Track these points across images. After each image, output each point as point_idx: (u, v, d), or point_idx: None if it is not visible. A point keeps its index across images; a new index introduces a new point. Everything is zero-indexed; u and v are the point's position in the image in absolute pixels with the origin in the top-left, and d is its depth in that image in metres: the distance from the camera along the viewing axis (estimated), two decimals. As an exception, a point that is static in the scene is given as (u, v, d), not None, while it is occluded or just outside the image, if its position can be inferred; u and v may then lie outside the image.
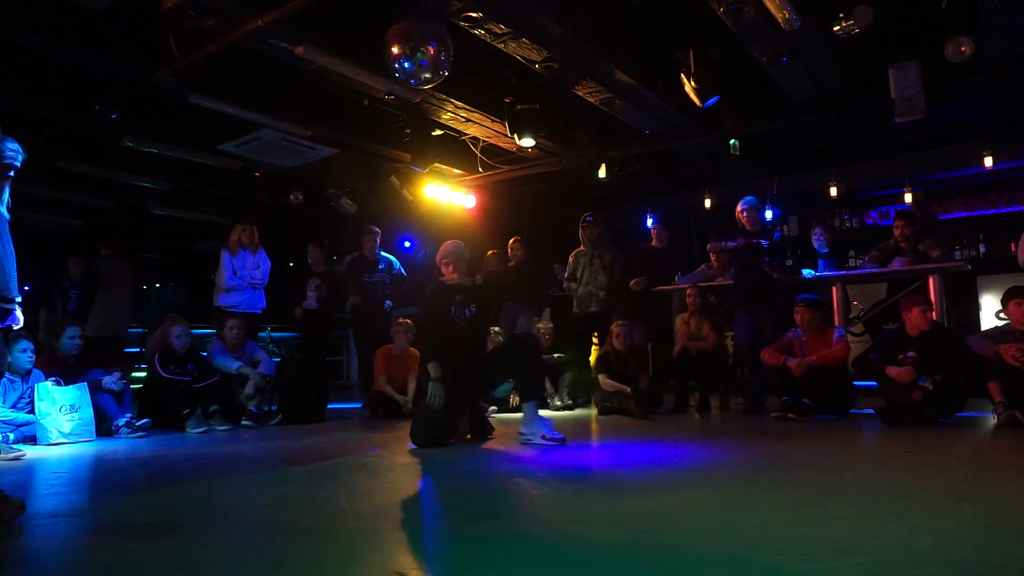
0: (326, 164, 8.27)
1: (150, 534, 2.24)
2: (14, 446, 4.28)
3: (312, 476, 3.27)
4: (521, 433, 4.09)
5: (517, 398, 5.86)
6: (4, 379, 4.72)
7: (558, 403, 6.39)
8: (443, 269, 4.37)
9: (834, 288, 6.21)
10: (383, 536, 2.14)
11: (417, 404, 4.29)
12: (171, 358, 5.45)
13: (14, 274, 2.43)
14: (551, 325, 7.04)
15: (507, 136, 7.01)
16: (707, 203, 9.29)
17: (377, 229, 7.39)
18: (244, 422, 5.56)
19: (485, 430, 4.46)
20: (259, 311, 6.60)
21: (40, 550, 2.10)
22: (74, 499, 2.97)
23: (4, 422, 4.57)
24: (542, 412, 4.76)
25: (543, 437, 3.94)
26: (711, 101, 5.70)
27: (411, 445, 4.13)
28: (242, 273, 6.45)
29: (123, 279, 7.57)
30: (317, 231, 7.93)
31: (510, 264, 7.11)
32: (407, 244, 11.52)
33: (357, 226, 7.72)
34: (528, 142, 6.54)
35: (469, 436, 4.37)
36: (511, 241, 7.33)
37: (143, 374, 6.10)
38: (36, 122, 6.44)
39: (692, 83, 5.59)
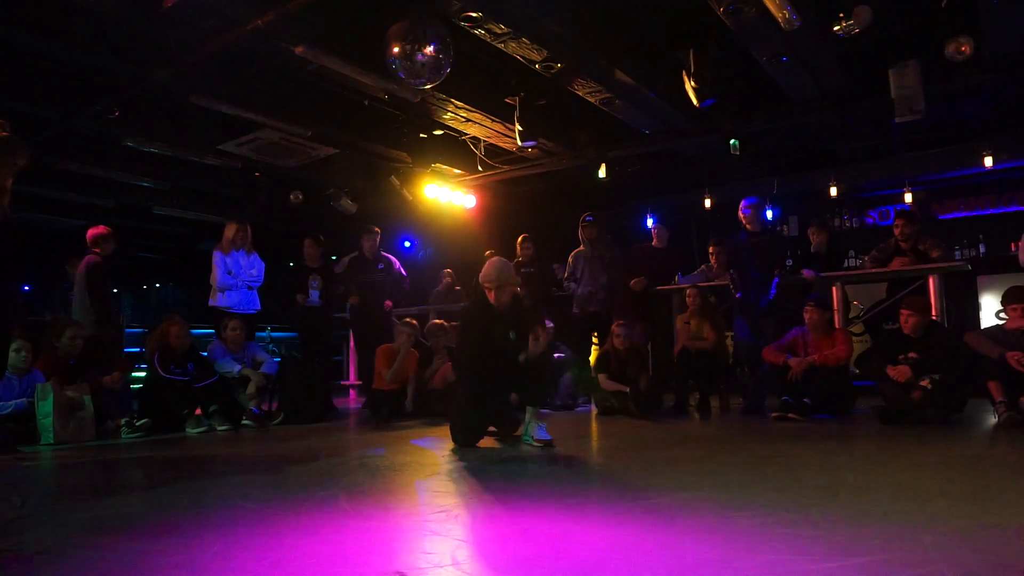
0: (326, 164, 8.27)
1: (150, 534, 2.24)
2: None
3: (312, 476, 3.27)
4: (523, 434, 4.12)
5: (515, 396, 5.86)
6: (4, 379, 4.73)
7: (557, 402, 6.39)
8: (486, 293, 4.22)
9: (834, 288, 6.20)
10: (384, 536, 2.14)
11: (455, 406, 4.28)
12: (171, 358, 5.45)
13: None
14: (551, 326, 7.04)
15: (507, 136, 7.02)
16: (707, 203, 9.28)
17: (377, 229, 7.39)
18: (245, 422, 5.56)
19: (511, 427, 4.45)
20: (255, 311, 6.56)
21: (40, 550, 2.10)
22: (74, 499, 2.97)
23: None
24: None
25: (534, 439, 3.98)
26: (708, 103, 5.70)
27: (417, 443, 4.13)
28: (237, 272, 6.37)
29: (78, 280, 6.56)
30: (317, 231, 7.93)
31: (519, 263, 7.12)
32: (407, 244, 11.53)
33: (357, 226, 7.72)
34: None
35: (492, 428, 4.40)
36: (520, 239, 7.33)
37: (143, 374, 6.09)
38: (36, 122, 6.44)
39: (692, 83, 5.59)
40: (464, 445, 4.05)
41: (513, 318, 4.18)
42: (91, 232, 6.35)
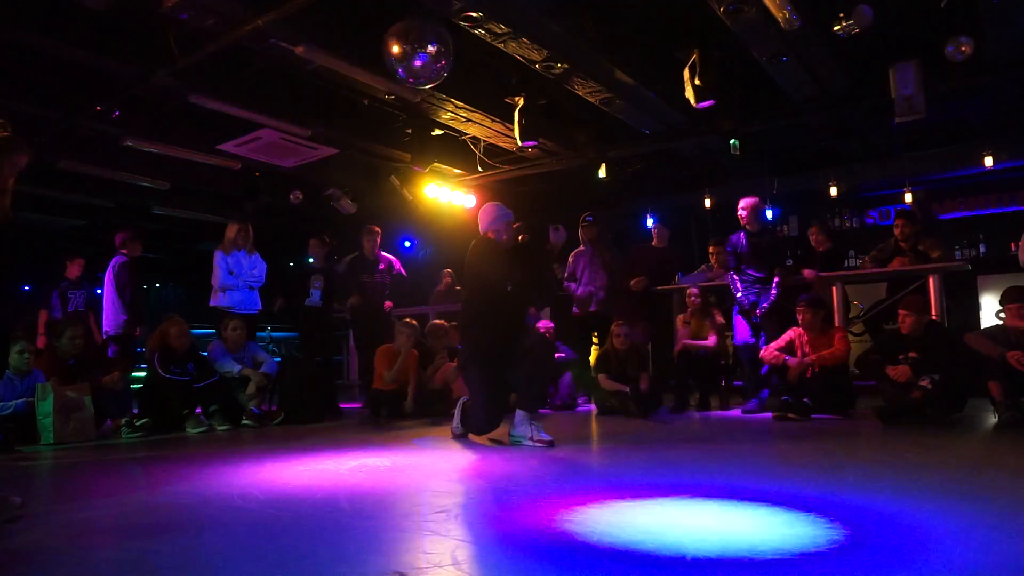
0: (326, 164, 8.28)
1: (150, 534, 2.24)
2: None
3: (312, 476, 3.27)
4: (512, 435, 4.08)
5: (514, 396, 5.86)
6: (5, 378, 4.74)
7: (557, 402, 6.39)
8: (492, 237, 4.19)
9: (834, 288, 6.20)
10: (383, 536, 2.14)
11: (471, 395, 4.28)
12: (171, 358, 5.45)
13: None
14: (551, 325, 7.04)
15: (507, 136, 7.02)
16: (707, 203, 9.28)
17: (377, 229, 7.39)
18: (245, 422, 5.57)
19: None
20: (256, 311, 6.57)
21: (40, 550, 2.10)
22: (74, 499, 2.97)
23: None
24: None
25: (532, 439, 3.94)
26: (705, 104, 5.68)
27: (417, 443, 4.14)
28: (239, 272, 6.37)
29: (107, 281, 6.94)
30: (317, 230, 7.95)
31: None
32: (407, 244, 11.53)
33: (357, 226, 7.72)
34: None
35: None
36: (520, 238, 7.31)
37: (143, 374, 6.09)
38: (36, 122, 6.44)
39: (695, 82, 5.59)
40: (483, 433, 4.05)
41: (520, 254, 4.19)
42: (119, 235, 6.69)
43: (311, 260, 7.25)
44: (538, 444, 3.90)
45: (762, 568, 1.72)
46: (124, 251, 6.60)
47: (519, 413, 4.06)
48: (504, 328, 4.11)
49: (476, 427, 4.10)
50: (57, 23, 4.99)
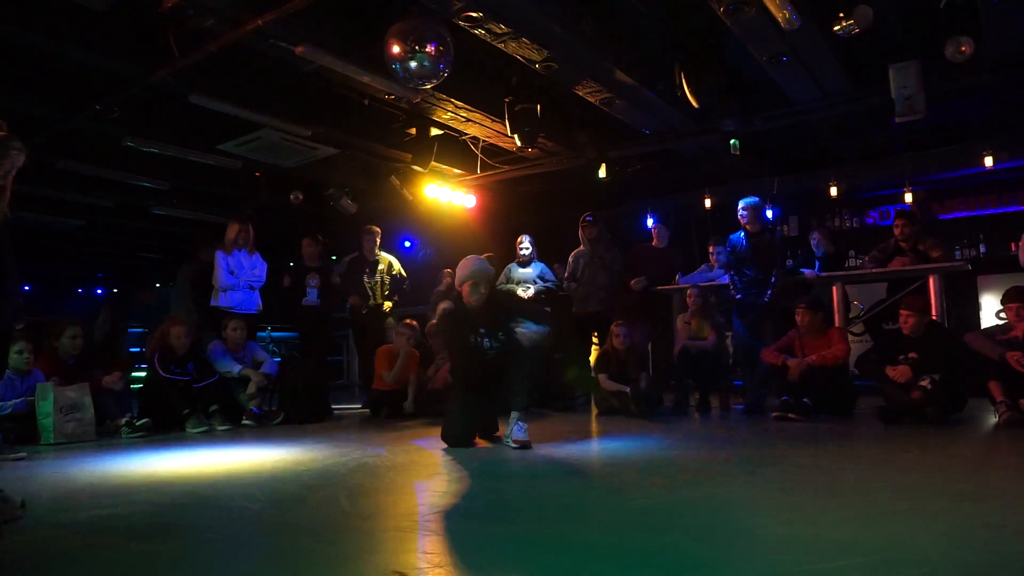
0: (326, 164, 8.27)
1: (150, 534, 2.24)
2: (16, 447, 4.30)
3: (312, 476, 3.27)
4: (507, 435, 4.09)
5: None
6: (5, 378, 4.74)
7: (557, 403, 6.39)
8: (461, 291, 4.21)
9: (834, 288, 6.20)
10: (383, 536, 2.14)
11: (448, 405, 4.33)
12: (171, 358, 5.45)
13: None
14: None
15: (507, 136, 7.01)
16: (707, 203, 9.28)
17: (377, 229, 7.38)
18: (245, 422, 5.57)
19: (493, 429, 4.46)
20: (256, 311, 6.57)
21: (40, 550, 2.10)
22: (74, 499, 2.97)
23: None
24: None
25: (514, 440, 3.95)
26: (705, 105, 5.67)
27: (417, 443, 4.14)
28: (239, 272, 6.38)
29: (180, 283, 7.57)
30: (316, 230, 7.94)
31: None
32: (407, 244, 11.53)
33: (357, 226, 7.72)
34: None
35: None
36: (519, 239, 7.32)
37: (143, 374, 6.10)
38: (36, 122, 6.44)
39: (692, 83, 5.59)
40: (453, 447, 4.07)
41: (486, 317, 4.16)
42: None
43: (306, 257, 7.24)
44: (513, 444, 3.91)
45: (761, 570, 1.72)
46: (201, 257, 6.82)
47: (512, 415, 4.08)
48: (484, 372, 4.14)
49: (448, 439, 4.14)
50: (57, 23, 4.99)
